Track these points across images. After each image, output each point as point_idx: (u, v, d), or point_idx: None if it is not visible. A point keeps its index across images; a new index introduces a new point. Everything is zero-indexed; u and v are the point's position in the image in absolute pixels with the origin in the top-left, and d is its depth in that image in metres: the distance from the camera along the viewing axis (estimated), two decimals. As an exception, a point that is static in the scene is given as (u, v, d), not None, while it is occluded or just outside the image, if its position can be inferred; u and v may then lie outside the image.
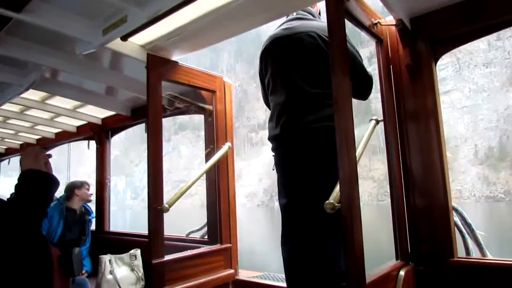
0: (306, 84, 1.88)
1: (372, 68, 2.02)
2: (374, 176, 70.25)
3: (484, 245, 1.88)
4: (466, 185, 65.21)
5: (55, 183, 1.50)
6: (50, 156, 1.55)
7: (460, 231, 1.90)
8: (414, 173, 1.96)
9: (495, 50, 74.45)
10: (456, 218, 1.89)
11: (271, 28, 2.21)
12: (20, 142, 5.21)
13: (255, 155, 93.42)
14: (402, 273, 1.75)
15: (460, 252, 1.86)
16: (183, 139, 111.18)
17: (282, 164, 1.98)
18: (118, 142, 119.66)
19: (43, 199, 1.45)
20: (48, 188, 1.47)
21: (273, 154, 2.04)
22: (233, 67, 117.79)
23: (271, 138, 2.02)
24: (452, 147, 70.52)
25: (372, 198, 68.72)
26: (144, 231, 2.30)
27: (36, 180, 1.44)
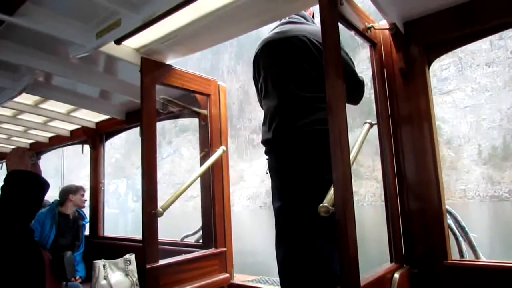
0: (296, 88, 1.89)
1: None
2: (377, 177, 70.01)
3: (478, 247, 1.89)
4: (470, 184, 65.29)
5: (42, 183, 1.48)
6: (38, 158, 1.54)
7: (454, 234, 1.91)
8: (408, 176, 1.97)
9: (498, 50, 74.63)
10: (449, 221, 1.90)
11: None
12: (13, 147, 5.14)
13: (257, 157, 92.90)
14: (396, 275, 1.75)
15: (454, 255, 1.86)
16: (184, 142, 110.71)
17: (275, 167, 1.98)
18: (119, 145, 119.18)
19: (30, 199, 1.43)
20: (34, 188, 1.45)
21: (267, 157, 2.05)
22: (234, 69, 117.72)
23: (264, 142, 2.03)
24: (456, 146, 70.72)
25: (375, 198, 68.40)
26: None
27: (21, 180, 1.42)
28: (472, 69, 76.18)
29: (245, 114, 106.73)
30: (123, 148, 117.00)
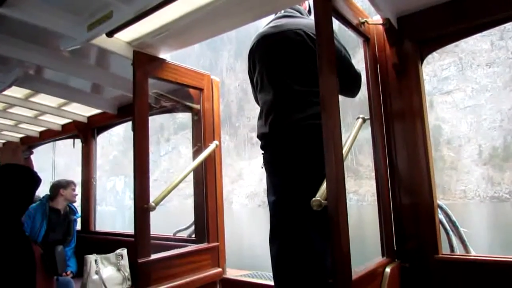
0: (293, 82, 1.88)
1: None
2: (377, 177, 69.83)
3: (468, 242, 1.91)
4: (471, 185, 65.07)
5: (34, 177, 1.47)
6: (31, 152, 1.53)
7: (445, 228, 1.93)
8: (400, 171, 1.98)
9: (498, 50, 74.29)
10: (440, 216, 1.92)
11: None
12: (3, 141, 5.08)
13: (256, 155, 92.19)
14: (388, 270, 1.77)
15: (445, 249, 1.88)
16: (183, 139, 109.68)
17: (271, 162, 1.98)
18: (117, 142, 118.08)
19: (22, 193, 1.43)
20: (27, 182, 1.45)
21: (262, 152, 2.04)
22: (232, 66, 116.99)
23: (260, 136, 2.02)
24: (456, 147, 70.66)
25: (375, 198, 68.00)
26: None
27: (14, 174, 1.42)
28: (472, 69, 75.91)
29: (244, 113, 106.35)
30: (121, 145, 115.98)
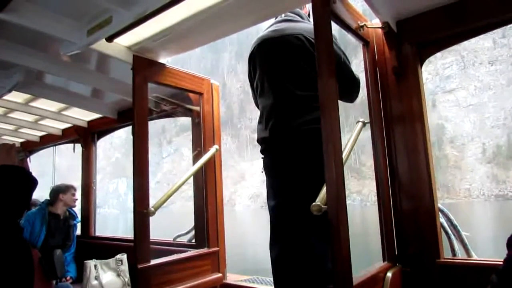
0: (293, 86, 1.88)
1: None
2: (379, 177, 69.79)
3: (470, 246, 1.90)
4: (475, 183, 64.79)
5: (28, 177, 1.46)
6: (27, 154, 1.53)
7: (446, 232, 1.92)
8: (401, 175, 1.97)
9: (500, 48, 74.29)
10: (442, 220, 1.90)
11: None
12: None
13: (258, 157, 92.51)
14: (389, 274, 1.75)
15: (446, 253, 1.87)
16: (185, 141, 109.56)
17: (271, 166, 1.98)
18: (119, 145, 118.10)
19: (18, 194, 1.42)
20: (22, 182, 1.44)
21: (262, 156, 2.04)
22: (234, 68, 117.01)
23: (260, 141, 2.02)
24: (459, 145, 70.19)
25: None
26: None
27: (9, 175, 1.41)
28: (475, 67, 75.51)
29: (245, 114, 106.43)
30: (123, 147, 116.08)
